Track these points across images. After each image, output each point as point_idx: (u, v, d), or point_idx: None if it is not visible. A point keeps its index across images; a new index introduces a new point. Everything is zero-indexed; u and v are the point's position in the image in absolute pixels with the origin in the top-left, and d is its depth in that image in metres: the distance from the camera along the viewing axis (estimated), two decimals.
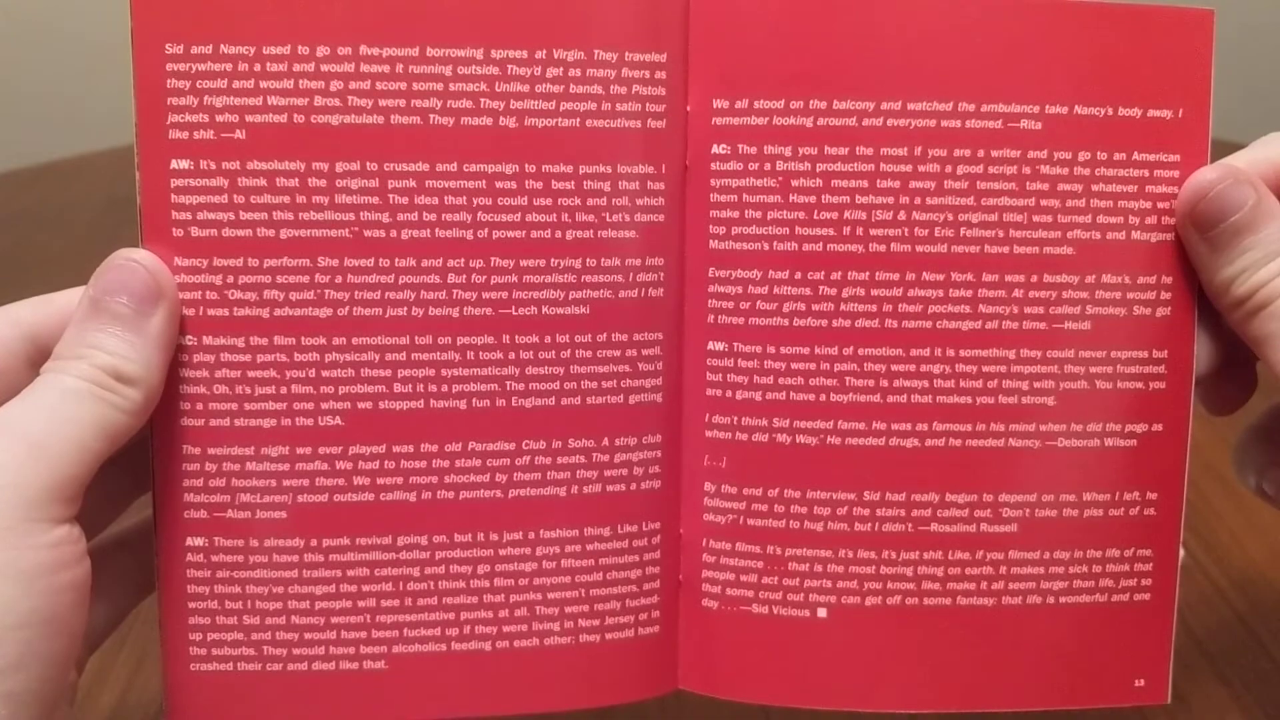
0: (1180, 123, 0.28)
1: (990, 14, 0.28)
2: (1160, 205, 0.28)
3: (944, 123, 0.28)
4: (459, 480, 0.28)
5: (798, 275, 0.28)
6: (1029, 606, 0.29)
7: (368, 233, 0.27)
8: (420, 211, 0.27)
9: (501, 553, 0.29)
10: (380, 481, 0.28)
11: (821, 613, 0.29)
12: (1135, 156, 0.28)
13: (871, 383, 0.28)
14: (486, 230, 0.28)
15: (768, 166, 0.28)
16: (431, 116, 0.27)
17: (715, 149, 0.28)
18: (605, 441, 0.29)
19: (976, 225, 0.28)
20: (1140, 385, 0.29)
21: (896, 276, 0.28)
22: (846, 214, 0.28)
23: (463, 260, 0.28)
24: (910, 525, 0.29)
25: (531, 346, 0.28)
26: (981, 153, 0.28)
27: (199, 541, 0.27)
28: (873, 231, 0.28)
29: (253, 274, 0.27)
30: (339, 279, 0.27)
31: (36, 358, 0.26)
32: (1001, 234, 0.28)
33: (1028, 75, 0.28)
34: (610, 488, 0.29)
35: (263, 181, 0.27)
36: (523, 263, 0.28)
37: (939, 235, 0.28)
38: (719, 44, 0.28)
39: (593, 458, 0.29)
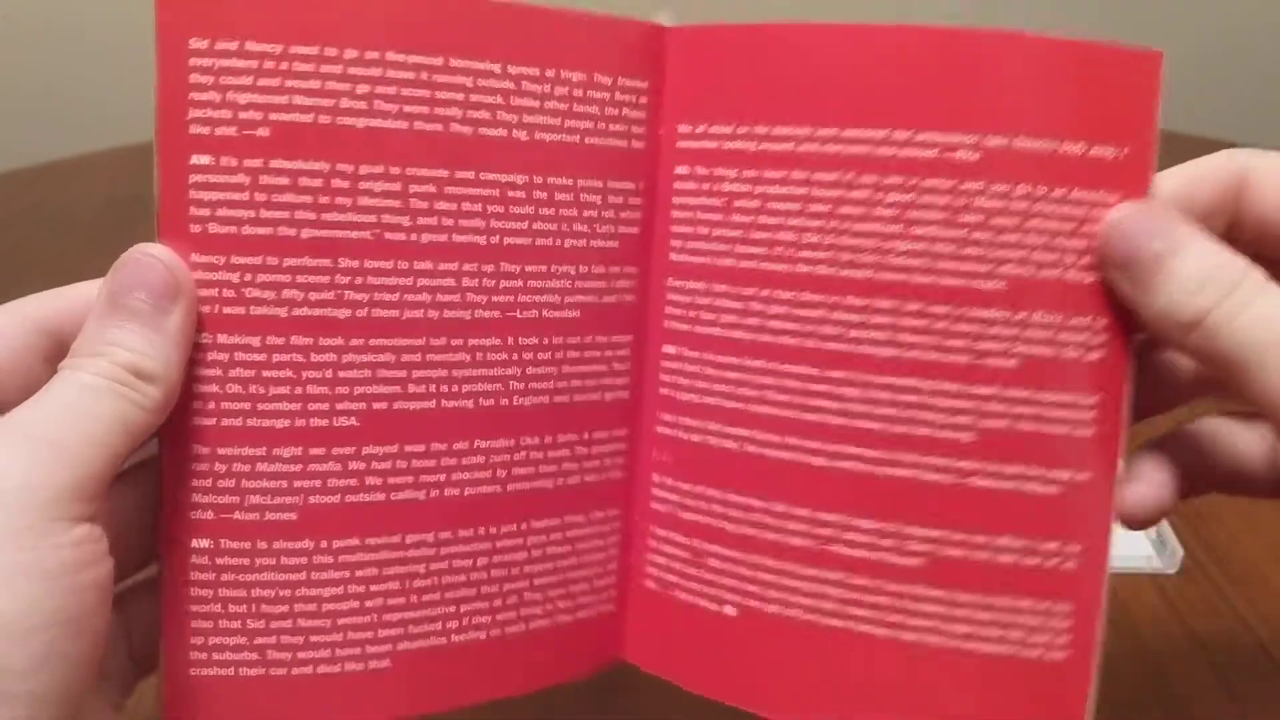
0: (1123, 162, 0.27)
1: (932, 43, 0.27)
2: (1095, 244, 0.28)
3: (876, 150, 0.27)
4: (464, 477, 0.29)
5: (733, 290, 0.29)
6: (929, 646, 0.28)
7: (388, 235, 0.27)
8: (439, 216, 0.28)
9: (498, 544, 0.29)
10: (392, 481, 0.28)
11: (730, 610, 0.29)
12: (1074, 194, 0.27)
13: (787, 398, 0.28)
14: (498, 237, 0.28)
15: (715, 187, 0.29)
16: (452, 125, 0.28)
17: (678, 170, 0.30)
18: (586, 435, 0.30)
19: (903, 254, 0.27)
20: (1066, 430, 0.27)
21: (819, 298, 0.28)
22: (778, 235, 0.28)
23: (476, 265, 0.28)
24: (813, 542, 0.28)
25: (532, 348, 0.29)
26: (913, 181, 0.27)
27: (204, 543, 0.27)
28: (800, 253, 0.28)
29: (271, 273, 0.27)
30: (359, 280, 0.27)
31: (53, 353, 0.26)
32: (929, 264, 0.27)
33: (968, 105, 0.27)
34: (587, 478, 0.31)
35: (285, 180, 0.27)
36: (527, 268, 0.29)
37: (863, 261, 0.28)
38: (687, 74, 0.30)
39: (575, 451, 0.30)
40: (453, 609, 0.29)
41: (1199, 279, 0.25)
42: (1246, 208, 0.28)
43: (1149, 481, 0.29)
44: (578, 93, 0.29)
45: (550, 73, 0.28)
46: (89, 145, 0.81)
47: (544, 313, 0.29)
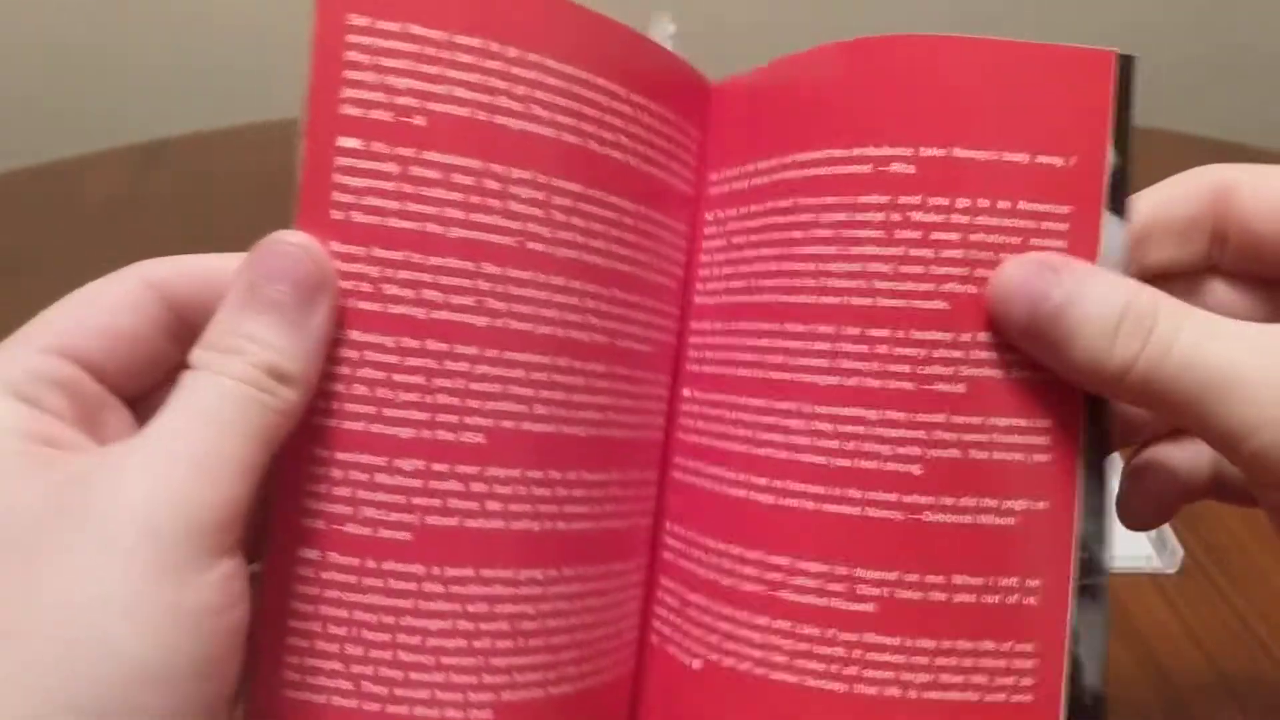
0: (1073, 171, 0.25)
1: (864, 55, 0.26)
2: None
3: (815, 171, 0.27)
4: (572, 510, 0.27)
5: (717, 325, 0.29)
6: (886, 699, 0.25)
7: (530, 245, 0.26)
8: (574, 232, 0.26)
9: (591, 586, 0.27)
10: (512, 508, 0.26)
11: (696, 664, 0.28)
12: (1020, 205, 0.25)
13: (746, 433, 0.27)
14: (614, 261, 0.27)
15: (721, 229, 0.29)
16: (590, 142, 0.27)
17: (705, 215, 0.30)
18: (646, 475, 0.29)
19: (840, 275, 0.26)
20: (1021, 457, 0.25)
21: (770, 327, 0.27)
22: (742, 268, 0.28)
23: (597, 287, 0.27)
24: (764, 588, 0.27)
25: (624, 378, 0.28)
26: (848, 199, 0.26)
27: (312, 554, 0.25)
28: (758, 283, 0.28)
29: (414, 270, 0.25)
30: (500, 288, 0.25)
31: (177, 329, 0.24)
32: (865, 285, 0.26)
33: (900, 115, 0.26)
34: (641, 520, 0.29)
35: (437, 174, 0.25)
36: (630, 297, 0.28)
37: (803, 286, 0.27)
38: (718, 125, 0.30)
39: (639, 491, 0.29)
40: (552, 657, 0.26)
41: (1114, 322, 0.23)
42: (1232, 223, 0.27)
43: (1141, 494, 0.29)
44: (668, 130, 0.29)
45: (656, 107, 0.28)
46: (90, 145, 0.79)
47: (634, 345, 0.28)
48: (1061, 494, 0.26)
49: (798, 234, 0.27)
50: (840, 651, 0.26)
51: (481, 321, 0.25)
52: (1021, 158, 0.25)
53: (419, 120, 0.25)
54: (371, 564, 0.25)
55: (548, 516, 0.26)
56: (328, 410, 0.25)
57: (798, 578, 0.26)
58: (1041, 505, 0.26)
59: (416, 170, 0.25)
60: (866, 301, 0.26)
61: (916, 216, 0.26)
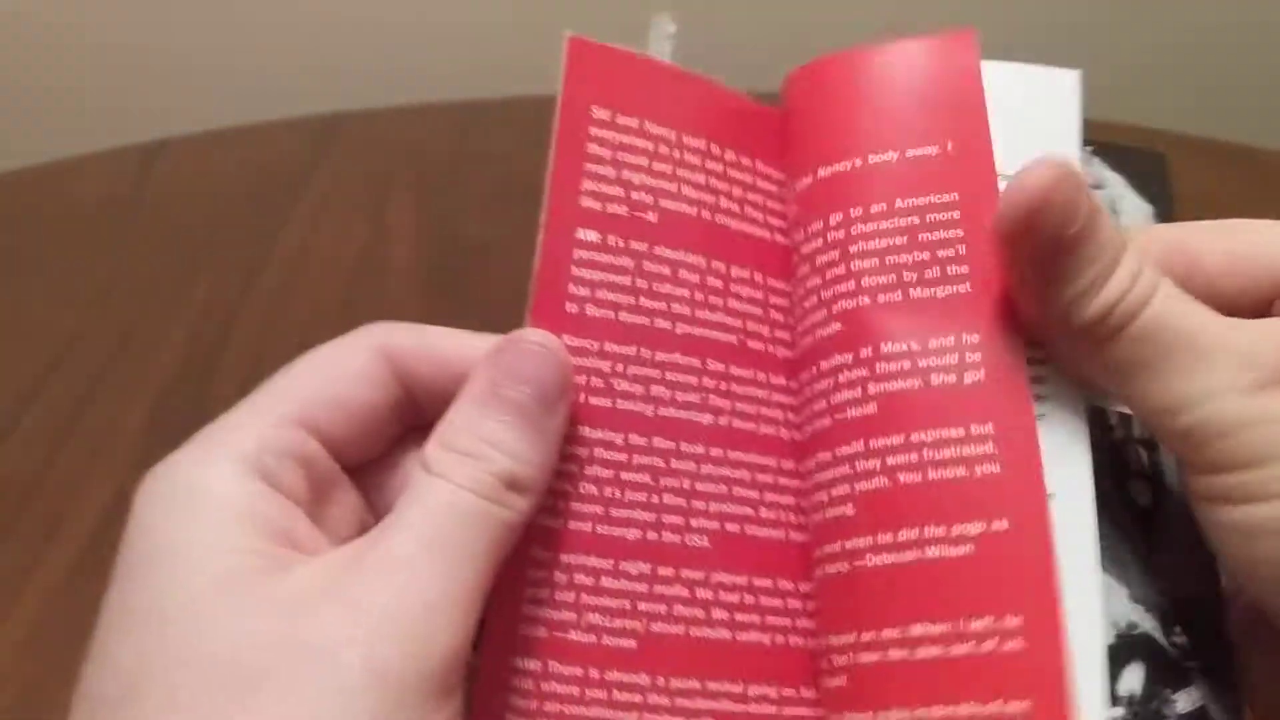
0: (952, 157, 0.24)
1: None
2: (942, 253, 0.24)
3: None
4: (805, 625, 0.25)
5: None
6: None
7: (750, 344, 0.26)
8: (788, 331, 0.26)
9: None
10: (739, 618, 0.24)
11: None
12: (899, 204, 0.24)
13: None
14: None
15: None
16: (798, 242, 0.27)
17: None
18: None
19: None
20: (963, 472, 0.23)
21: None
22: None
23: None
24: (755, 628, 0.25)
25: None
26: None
27: (532, 664, 0.23)
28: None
29: (643, 366, 0.24)
30: (724, 386, 0.25)
31: (406, 410, 0.23)
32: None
33: (792, 150, 0.26)
34: None
35: (667, 270, 0.25)
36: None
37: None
38: None
39: None
40: None
41: (1135, 264, 0.21)
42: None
43: None
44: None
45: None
46: (89, 145, 0.76)
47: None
48: (1027, 507, 0.22)
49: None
50: None
51: (706, 419, 0.25)
52: (888, 157, 0.25)
53: (651, 216, 0.25)
54: (595, 674, 0.23)
55: (779, 630, 0.24)
56: (554, 510, 0.23)
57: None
58: (1001, 525, 0.22)
59: (649, 265, 0.25)
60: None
61: (804, 249, 0.26)
